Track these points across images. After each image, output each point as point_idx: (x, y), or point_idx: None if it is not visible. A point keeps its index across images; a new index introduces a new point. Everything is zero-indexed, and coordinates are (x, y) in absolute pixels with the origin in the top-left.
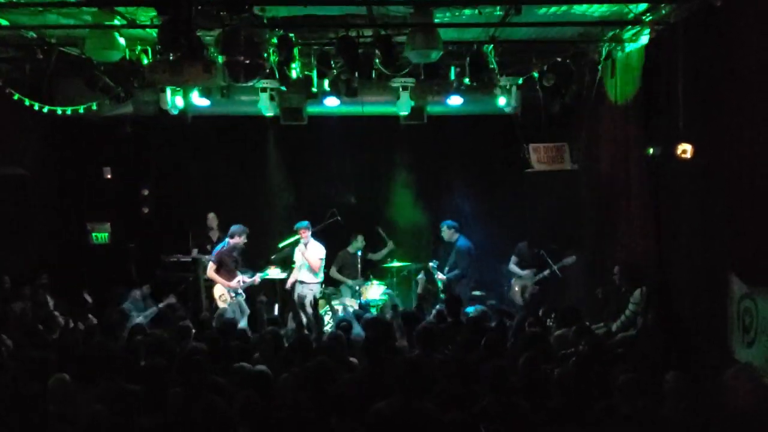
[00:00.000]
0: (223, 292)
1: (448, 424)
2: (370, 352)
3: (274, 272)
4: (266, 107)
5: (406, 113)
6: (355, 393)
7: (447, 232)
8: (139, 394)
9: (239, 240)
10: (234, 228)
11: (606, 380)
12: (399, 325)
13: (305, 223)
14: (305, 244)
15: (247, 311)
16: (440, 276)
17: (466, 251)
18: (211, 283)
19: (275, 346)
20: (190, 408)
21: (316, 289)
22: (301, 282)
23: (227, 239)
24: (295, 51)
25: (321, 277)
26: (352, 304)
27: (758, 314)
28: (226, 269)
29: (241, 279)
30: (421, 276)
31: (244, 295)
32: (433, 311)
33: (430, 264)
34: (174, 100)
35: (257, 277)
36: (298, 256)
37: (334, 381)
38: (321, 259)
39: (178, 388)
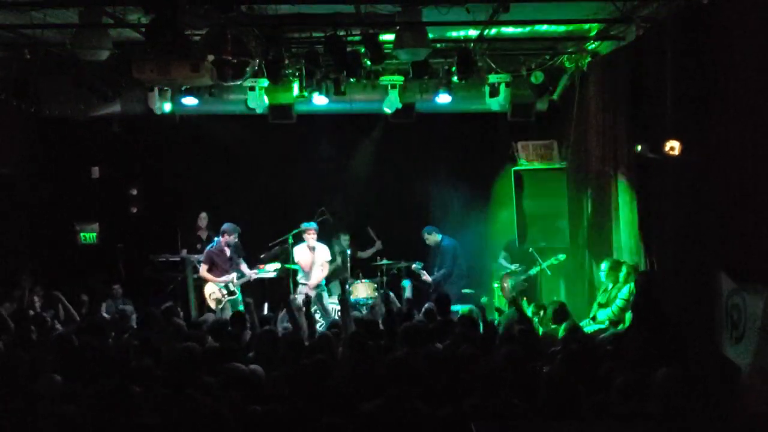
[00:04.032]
0: (213, 290)
1: (438, 421)
2: (357, 349)
3: (268, 269)
4: (255, 106)
5: (394, 111)
6: (345, 391)
7: (430, 238)
8: (130, 394)
9: (229, 238)
10: (225, 226)
11: (595, 377)
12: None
13: (314, 224)
14: (312, 247)
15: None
16: (426, 277)
17: (452, 249)
18: (201, 283)
19: (270, 345)
20: (179, 409)
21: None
22: (304, 284)
23: (218, 237)
24: (283, 50)
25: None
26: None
27: (746, 310)
28: (217, 268)
29: (234, 276)
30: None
31: (237, 292)
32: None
33: (414, 266)
34: (162, 106)
35: (253, 273)
36: (307, 257)
37: (326, 380)
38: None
39: (168, 388)
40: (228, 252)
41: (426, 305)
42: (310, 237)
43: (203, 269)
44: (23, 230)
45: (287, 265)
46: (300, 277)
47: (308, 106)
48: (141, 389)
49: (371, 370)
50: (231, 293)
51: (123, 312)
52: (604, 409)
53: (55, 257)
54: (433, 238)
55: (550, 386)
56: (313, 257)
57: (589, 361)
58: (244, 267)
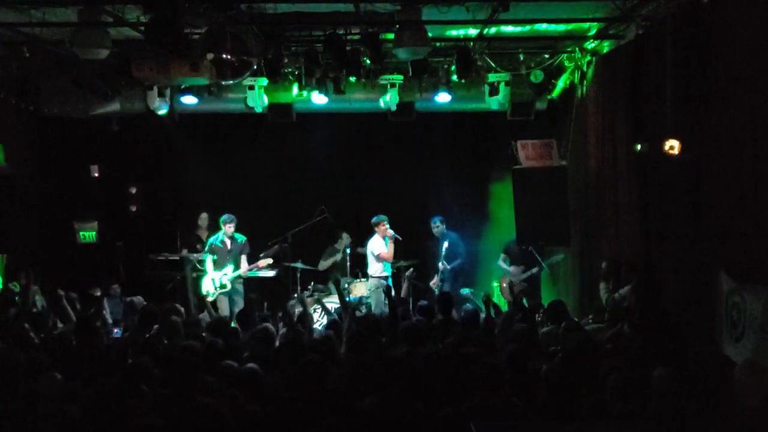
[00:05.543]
0: (207, 287)
1: (437, 421)
2: (357, 348)
3: (263, 270)
4: (254, 105)
5: (393, 110)
6: (344, 390)
7: (439, 227)
8: (127, 393)
9: (231, 226)
10: (224, 217)
11: (594, 376)
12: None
13: (384, 216)
14: (387, 238)
15: (241, 305)
16: (443, 265)
17: (460, 242)
18: (199, 282)
19: (266, 344)
20: (179, 409)
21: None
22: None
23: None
24: (283, 48)
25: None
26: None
27: (746, 310)
28: (216, 262)
29: (228, 270)
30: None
31: (229, 285)
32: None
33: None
34: (162, 105)
35: (244, 270)
36: (387, 249)
37: (324, 379)
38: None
39: (167, 387)
40: (229, 245)
41: (420, 303)
42: (385, 229)
43: (209, 261)
44: (22, 229)
45: (286, 263)
46: (375, 270)
47: (307, 105)
48: (141, 388)
49: (371, 369)
50: (222, 287)
51: (131, 303)
52: (603, 409)
53: (54, 256)
54: (442, 228)
55: (549, 386)
56: (391, 248)
57: (589, 361)
58: (243, 263)
